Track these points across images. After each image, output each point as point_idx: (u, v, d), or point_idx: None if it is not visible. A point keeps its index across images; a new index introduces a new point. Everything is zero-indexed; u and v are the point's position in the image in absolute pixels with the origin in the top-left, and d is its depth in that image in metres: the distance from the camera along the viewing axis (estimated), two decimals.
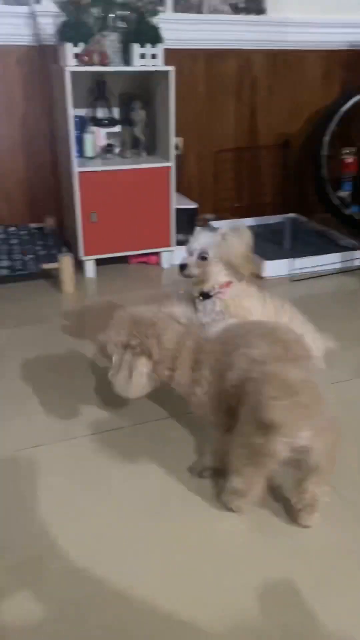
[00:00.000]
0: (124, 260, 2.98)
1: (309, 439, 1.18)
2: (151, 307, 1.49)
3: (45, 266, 2.58)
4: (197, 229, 1.67)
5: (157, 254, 2.97)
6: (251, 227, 1.85)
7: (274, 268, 2.79)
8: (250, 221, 3.37)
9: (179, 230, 2.92)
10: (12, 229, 2.98)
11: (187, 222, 2.95)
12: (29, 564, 1.28)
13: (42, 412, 1.79)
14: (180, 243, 2.96)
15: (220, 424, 1.41)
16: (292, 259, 2.80)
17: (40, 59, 2.78)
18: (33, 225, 3.04)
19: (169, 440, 1.66)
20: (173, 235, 2.88)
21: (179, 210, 2.87)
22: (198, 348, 1.41)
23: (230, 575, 1.26)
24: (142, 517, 1.41)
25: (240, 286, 1.74)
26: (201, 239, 1.73)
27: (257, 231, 1.89)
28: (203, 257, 1.72)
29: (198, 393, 1.39)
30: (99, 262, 2.87)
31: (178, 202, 2.88)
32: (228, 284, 1.74)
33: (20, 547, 1.32)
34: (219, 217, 3.38)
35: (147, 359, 1.40)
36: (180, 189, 3.22)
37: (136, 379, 1.41)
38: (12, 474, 1.54)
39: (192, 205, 2.98)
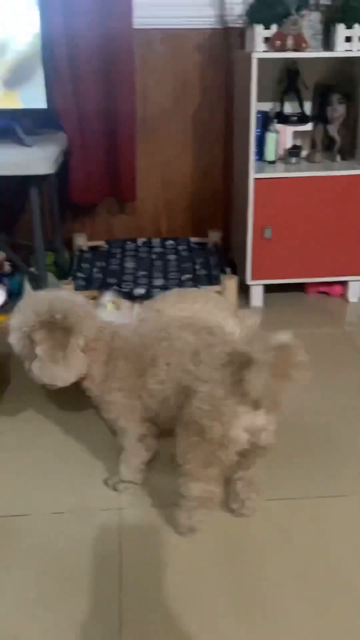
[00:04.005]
0: (300, 288, 2.95)
1: (265, 418, 1.38)
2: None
3: (205, 289, 2.63)
4: None
5: (343, 283, 2.90)
6: None
7: None
8: None
9: None
10: (170, 242, 3.11)
11: None
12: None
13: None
14: None
15: (133, 430, 1.61)
16: None
17: (222, 44, 2.90)
18: (194, 239, 3.15)
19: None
20: None
21: None
22: (113, 340, 1.57)
23: None
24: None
25: None
26: None
27: None
28: None
29: (111, 388, 1.55)
30: (269, 289, 2.87)
31: None
32: None
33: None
34: None
35: (77, 334, 1.51)
36: None
37: (71, 357, 1.50)
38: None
39: None
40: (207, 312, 1.90)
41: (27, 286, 2.83)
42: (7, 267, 2.91)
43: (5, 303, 2.82)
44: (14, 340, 1.54)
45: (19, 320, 1.54)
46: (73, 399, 2.10)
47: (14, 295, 2.90)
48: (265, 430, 1.40)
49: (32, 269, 2.69)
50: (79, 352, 1.53)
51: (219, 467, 1.43)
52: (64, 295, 1.60)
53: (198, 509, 1.50)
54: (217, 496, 1.49)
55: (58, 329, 1.51)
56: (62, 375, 1.54)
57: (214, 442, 1.38)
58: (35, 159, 2.25)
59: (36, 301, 1.55)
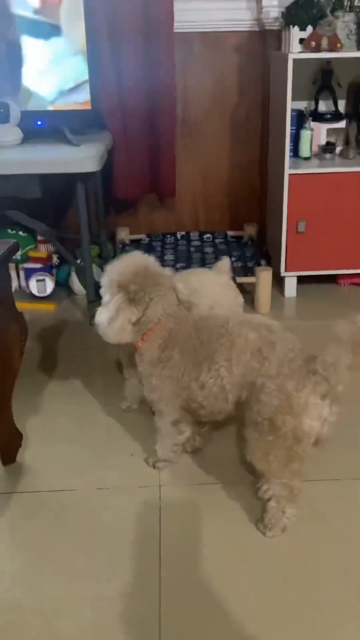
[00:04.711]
0: (332, 279, 2.92)
1: (329, 410, 1.36)
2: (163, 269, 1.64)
3: (240, 280, 2.64)
4: None
5: None
6: None
7: None
8: None
9: None
10: (208, 236, 3.11)
11: None
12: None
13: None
14: None
15: (170, 414, 1.62)
16: None
17: (259, 46, 2.88)
18: (231, 233, 3.14)
19: None
20: None
21: None
22: (174, 329, 1.56)
23: None
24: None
25: None
26: None
27: None
28: None
29: (161, 374, 1.56)
30: (302, 280, 2.85)
31: None
32: None
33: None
34: None
35: (137, 309, 1.55)
36: None
37: (119, 322, 1.55)
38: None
39: None
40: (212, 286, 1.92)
41: (74, 278, 2.87)
42: (55, 259, 2.96)
43: (53, 293, 2.87)
44: (103, 282, 1.60)
45: (112, 269, 1.60)
46: (118, 383, 2.13)
47: (61, 286, 2.95)
48: (327, 421, 1.37)
49: (78, 261, 2.72)
50: (128, 323, 1.56)
51: (299, 462, 1.41)
52: (155, 273, 1.59)
53: (288, 506, 1.48)
54: (301, 489, 1.48)
55: (127, 296, 1.55)
56: (107, 334, 1.58)
57: (289, 437, 1.36)
58: (82, 158, 2.27)
59: (130, 263, 1.59)
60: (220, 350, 1.47)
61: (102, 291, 1.60)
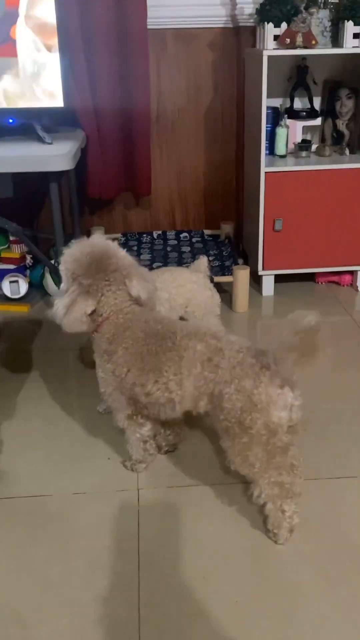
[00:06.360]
0: (310, 277, 2.94)
1: (292, 395, 1.39)
2: (123, 257, 1.61)
3: (217, 279, 2.64)
4: None
5: (352, 272, 2.89)
6: None
7: None
8: None
9: None
10: (184, 235, 3.11)
11: None
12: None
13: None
14: None
15: (121, 409, 1.64)
16: None
17: (234, 43, 2.89)
18: (207, 231, 3.15)
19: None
20: None
21: None
22: (123, 325, 1.56)
23: None
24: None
25: None
26: None
27: None
28: None
29: (106, 368, 1.58)
30: (280, 279, 2.86)
31: None
32: None
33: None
34: None
35: (92, 301, 1.56)
36: None
37: (75, 314, 1.55)
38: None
39: None
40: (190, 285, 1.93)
41: (48, 278, 2.85)
42: (28, 259, 2.93)
43: (27, 294, 2.84)
44: (60, 268, 1.60)
45: (67, 257, 1.59)
46: (94, 385, 2.11)
47: (35, 287, 2.93)
48: (294, 406, 1.39)
49: (53, 262, 2.70)
50: (83, 314, 1.55)
51: (280, 455, 1.41)
52: (110, 266, 1.56)
53: (285, 503, 1.46)
54: (294, 483, 1.46)
55: (81, 287, 1.55)
56: (63, 323, 1.57)
57: (262, 433, 1.37)
58: (54, 156, 2.26)
59: (85, 252, 1.57)
60: (168, 364, 1.48)
61: (61, 274, 1.60)
